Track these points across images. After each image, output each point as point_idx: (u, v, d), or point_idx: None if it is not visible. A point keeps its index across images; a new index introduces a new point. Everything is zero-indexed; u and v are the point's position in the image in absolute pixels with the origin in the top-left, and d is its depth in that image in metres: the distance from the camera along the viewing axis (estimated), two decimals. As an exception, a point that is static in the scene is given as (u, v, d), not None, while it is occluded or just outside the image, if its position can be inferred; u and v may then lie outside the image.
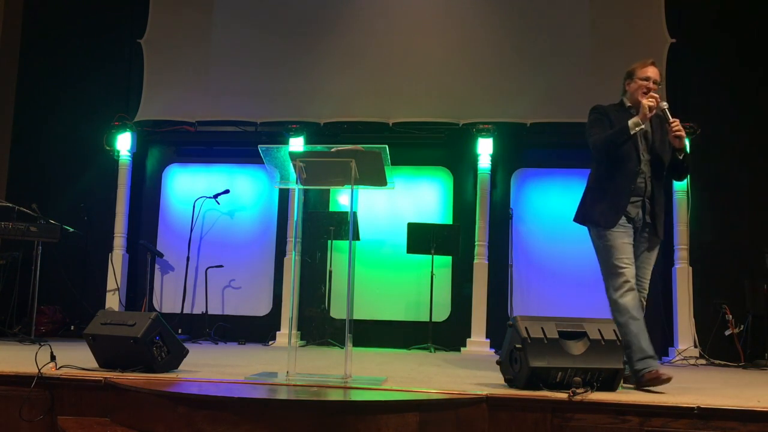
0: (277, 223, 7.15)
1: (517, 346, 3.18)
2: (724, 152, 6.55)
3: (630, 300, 3.45)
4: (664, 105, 3.60)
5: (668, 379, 3.25)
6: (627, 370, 3.48)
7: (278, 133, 6.96)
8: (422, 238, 6.46)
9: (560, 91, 6.72)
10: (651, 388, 3.33)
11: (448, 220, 6.97)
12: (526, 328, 3.19)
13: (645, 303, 3.65)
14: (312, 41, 7.07)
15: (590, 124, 3.72)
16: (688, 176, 5.81)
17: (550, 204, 6.91)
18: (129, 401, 3.01)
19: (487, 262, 6.58)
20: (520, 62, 6.85)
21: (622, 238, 3.55)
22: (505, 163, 6.99)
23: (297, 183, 3.47)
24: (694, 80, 6.68)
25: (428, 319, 6.45)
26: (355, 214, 5.98)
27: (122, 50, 7.42)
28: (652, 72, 3.67)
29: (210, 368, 3.82)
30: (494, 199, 6.87)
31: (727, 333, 6.13)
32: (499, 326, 6.18)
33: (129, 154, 7.13)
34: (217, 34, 7.21)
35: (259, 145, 3.57)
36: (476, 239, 6.61)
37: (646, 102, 3.50)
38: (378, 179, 3.45)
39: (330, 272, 6.62)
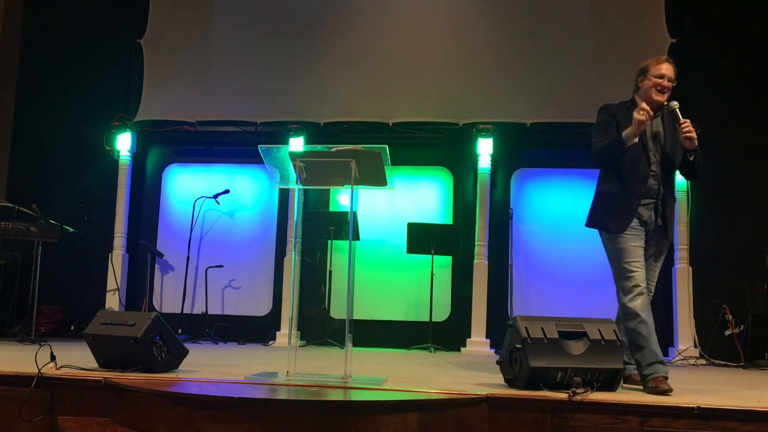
0: (277, 223, 7.14)
1: (517, 346, 3.18)
2: (724, 152, 6.54)
3: (640, 304, 3.39)
4: (675, 104, 3.50)
5: (667, 392, 3.18)
6: (627, 370, 3.48)
7: (278, 133, 6.96)
8: (422, 238, 6.45)
9: (560, 91, 6.72)
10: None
11: (448, 220, 6.97)
12: (526, 328, 3.19)
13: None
14: (312, 41, 7.07)
15: (595, 128, 3.63)
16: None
17: (550, 204, 6.91)
18: (129, 401, 3.01)
19: (487, 262, 6.58)
20: (520, 62, 6.85)
21: (633, 242, 3.48)
22: (505, 163, 6.99)
23: (297, 183, 3.47)
24: (694, 80, 6.67)
25: (428, 319, 6.45)
26: (355, 214, 5.98)
27: (122, 50, 7.42)
28: (666, 69, 3.56)
29: (210, 368, 3.82)
30: (494, 199, 6.87)
31: (727, 333, 6.12)
32: (499, 326, 6.18)
33: (129, 154, 7.13)
34: (217, 34, 7.21)
35: (259, 145, 3.57)
36: (476, 239, 6.61)
37: (638, 116, 3.38)
38: (378, 179, 3.45)
39: (330, 272, 6.62)
